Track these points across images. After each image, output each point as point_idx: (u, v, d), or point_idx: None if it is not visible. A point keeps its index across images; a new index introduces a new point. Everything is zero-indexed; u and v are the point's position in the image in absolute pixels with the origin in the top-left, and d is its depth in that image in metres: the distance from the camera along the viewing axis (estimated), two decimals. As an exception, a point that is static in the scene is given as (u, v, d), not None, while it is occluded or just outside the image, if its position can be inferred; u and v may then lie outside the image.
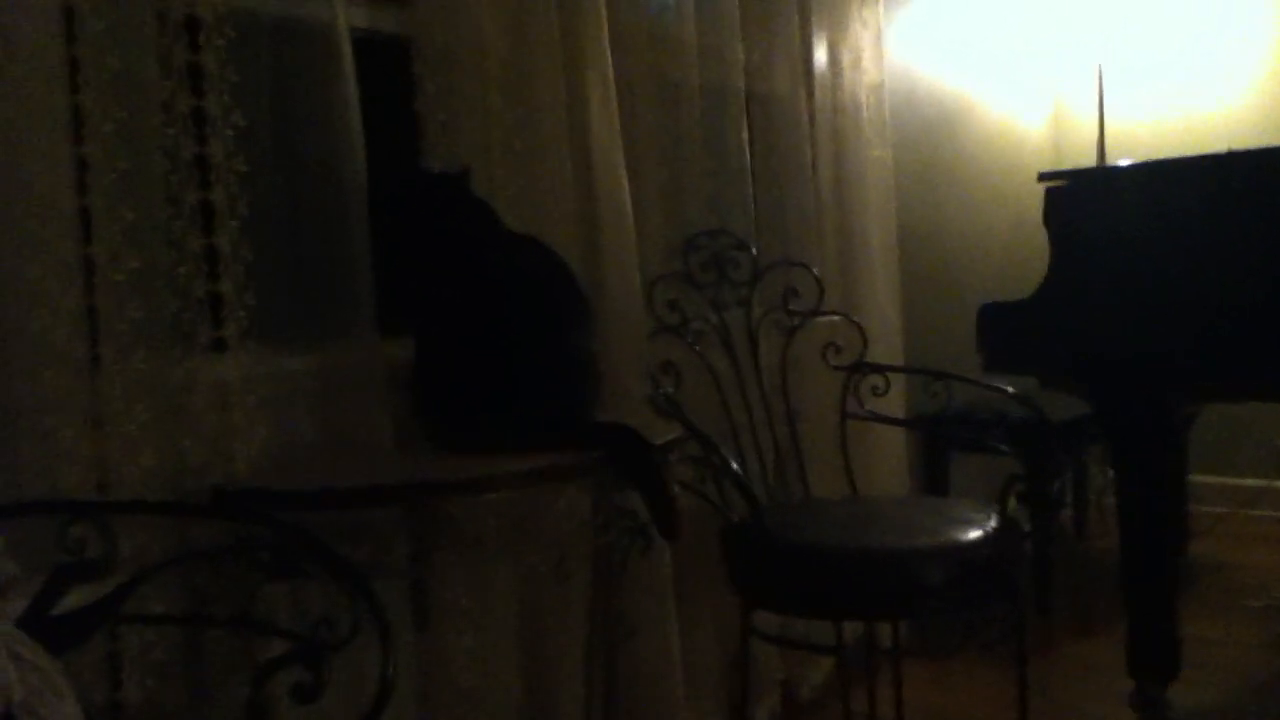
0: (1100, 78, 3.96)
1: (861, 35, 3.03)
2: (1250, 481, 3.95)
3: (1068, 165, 3.81)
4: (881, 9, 3.11)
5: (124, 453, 1.46)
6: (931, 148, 3.70)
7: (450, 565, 1.74)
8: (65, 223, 1.43)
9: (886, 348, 2.95)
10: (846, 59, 3.00)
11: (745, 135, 2.60)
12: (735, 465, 1.85)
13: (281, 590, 1.57)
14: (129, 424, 1.47)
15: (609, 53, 2.20)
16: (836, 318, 2.57)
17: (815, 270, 2.54)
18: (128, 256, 1.48)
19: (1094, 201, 2.58)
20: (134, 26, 1.52)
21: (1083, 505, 4.05)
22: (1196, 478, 2.62)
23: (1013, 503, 2.32)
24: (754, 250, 2.48)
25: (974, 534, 1.91)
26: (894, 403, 2.75)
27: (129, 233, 1.49)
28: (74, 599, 1.13)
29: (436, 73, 1.92)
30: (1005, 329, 2.73)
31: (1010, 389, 2.24)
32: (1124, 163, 3.59)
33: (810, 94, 2.90)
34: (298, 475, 1.58)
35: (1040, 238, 2.75)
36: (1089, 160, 4.03)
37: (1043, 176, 2.69)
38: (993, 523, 1.96)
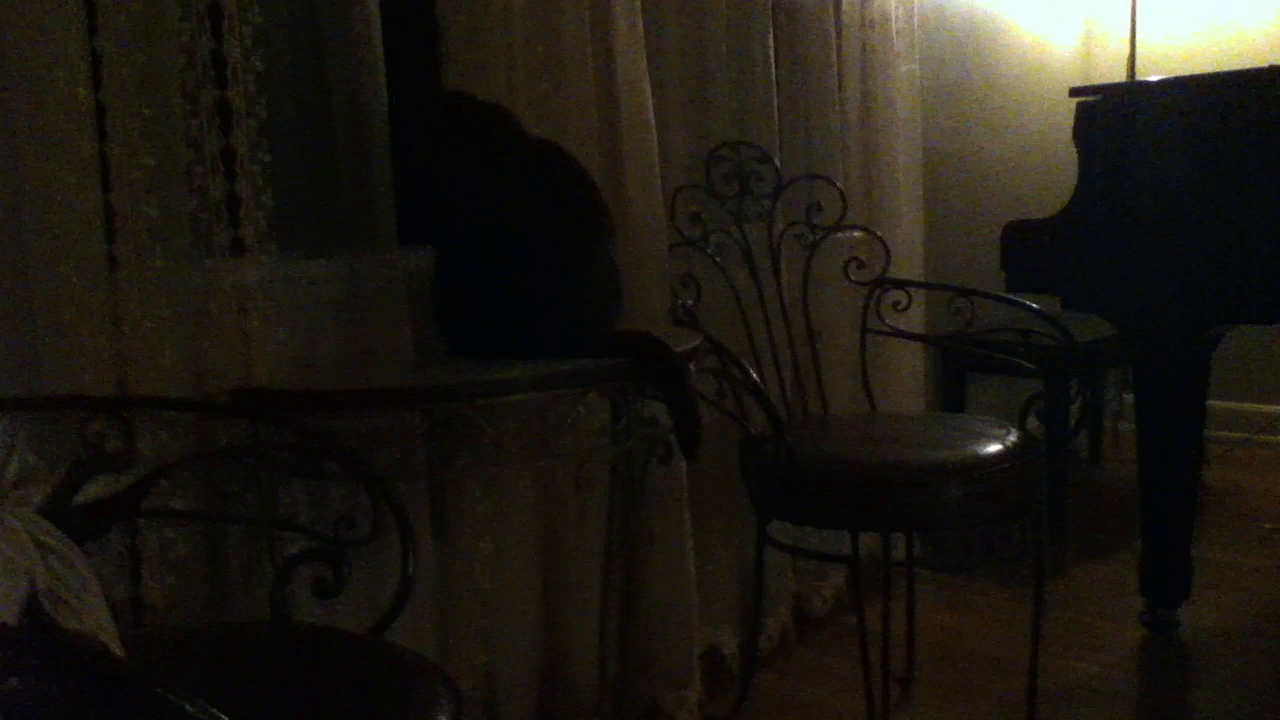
0: (1134, -5, 3.86)
1: (892, -58, 2.95)
2: (1267, 407, 3.94)
3: (1093, 83, 3.74)
4: (912, -83, 3.03)
5: (143, 352, 1.46)
6: (960, 64, 3.63)
7: (469, 472, 1.75)
8: (82, 119, 1.41)
9: (908, 266, 2.92)
10: (876, -33, 2.93)
11: (771, 47, 2.54)
12: (755, 377, 1.83)
13: (300, 491, 1.58)
14: (147, 323, 1.46)
15: (634, -42, 2.15)
16: (859, 233, 2.54)
17: (839, 184, 2.50)
18: (144, 154, 1.46)
19: (1126, 117, 2.53)
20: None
21: (1097, 429, 4.04)
22: (1212, 403, 2.60)
23: (1033, 421, 2.31)
24: (777, 163, 2.44)
25: (994, 449, 1.90)
26: (914, 321, 2.72)
27: (146, 130, 1.47)
28: (94, 492, 1.13)
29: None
30: (1030, 247, 2.69)
31: (1035, 306, 2.21)
32: (1151, 79, 3.52)
33: (838, 6, 2.83)
34: (317, 380, 1.58)
35: (1066, 158, 2.70)
36: (1119, 79, 3.95)
37: (1074, 92, 2.64)
38: (1013, 439, 1.95)
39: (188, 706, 0.62)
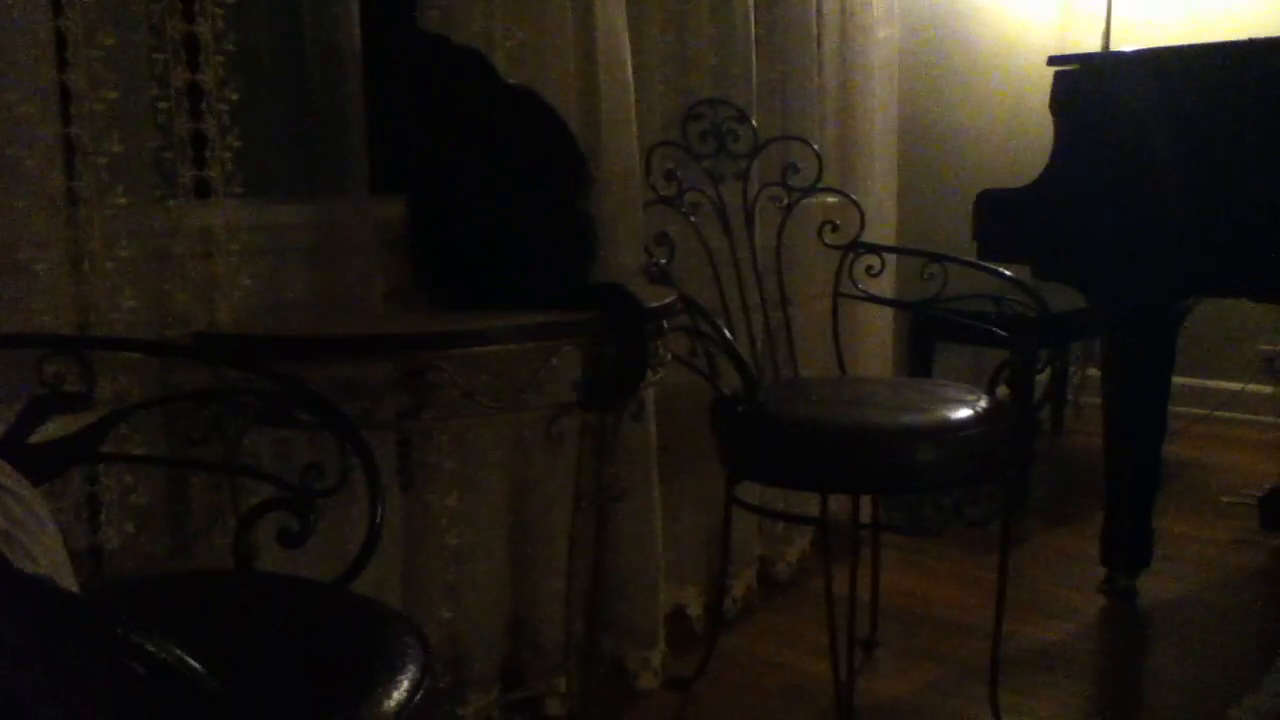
0: (1112, -34, 3.85)
1: (873, -95, 2.91)
2: (1228, 385, 3.98)
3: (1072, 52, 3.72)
4: (895, -121, 2.99)
5: (103, 293, 1.41)
6: (938, 30, 3.61)
7: (438, 424, 1.71)
8: (42, 47, 1.35)
9: (881, 232, 2.91)
10: (857, -69, 2.89)
11: (751, 5, 2.50)
12: (729, 335, 1.81)
13: (264, 440, 1.54)
14: (108, 263, 1.41)
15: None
16: (834, 197, 2.52)
17: (815, 145, 2.48)
18: (107, 86, 1.41)
19: (1104, 87, 2.52)
20: None
21: (1060, 401, 4.07)
22: (1175, 379, 2.62)
23: (1002, 389, 2.30)
24: (754, 123, 2.41)
25: (965, 414, 1.89)
26: (885, 287, 2.72)
27: (108, 61, 1.41)
28: (52, 432, 1.09)
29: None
30: (1003, 216, 2.69)
31: (1008, 273, 2.20)
32: (1117, 50, 3.51)
33: (819, -34, 2.80)
34: (283, 326, 1.54)
35: (1040, 128, 2.69)
36: (1095, 50, 3.94)
37: (1053, 60, 2.62)
38: (984, 404, 1.95)
39: (148, 645, 0.59)
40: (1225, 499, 3.22)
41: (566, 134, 1.73)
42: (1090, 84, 2.53)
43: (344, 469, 1.23)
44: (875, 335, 2.98)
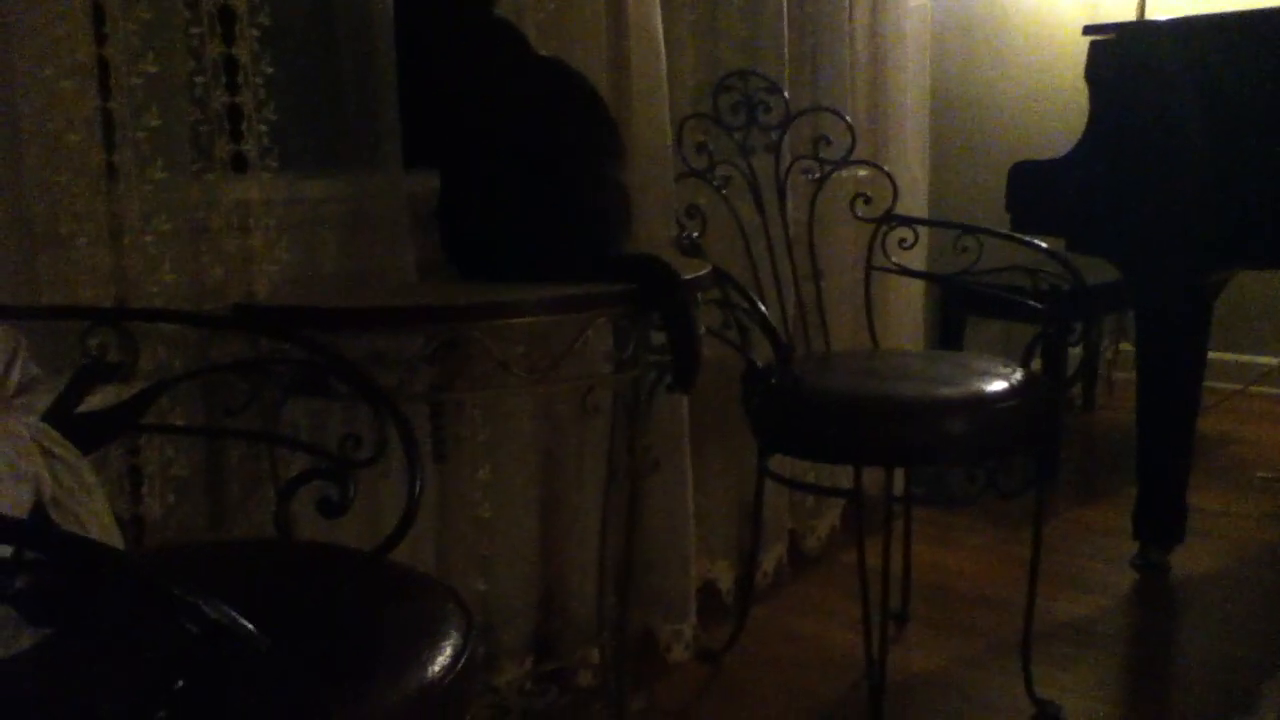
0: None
1: (905, -127, 2.88)
2: (1261, 359, 3.94)
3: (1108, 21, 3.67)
4: None
5: (142, 266, 1.42)
6: (970, 3, 3.57)
7: (472, 396, 1.72)
8: (79, 21, 1.36)
9: (913, 204, 2.89)
10: (890, -99, 2.86)
11: (782, -26, 2.49)
12: (762, 307, 1.81)
13: (300, 412, 1.55)
14: (147, 237, 1.42)
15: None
16: (866, 170, 2.50)
17: (847, 117, 2.46)
18: (144, 60, 1.41)
19: (1140, 57, 2.49)
20: None
21: (1091, 377, 4.04)
22: (1210, 354, 2.60)
23: (1037, 361, 2.29)
24: (785, 95, 2.40)
25: (1000, 386, 1.89)
26: (916, 261, 2.70)
27: (146, 35, 1.42)
28: (96, 403, 1.11)
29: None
30: (1037, 188, 2.66)
31: (1044, 244, 2.18)
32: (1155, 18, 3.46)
33: (849, -65, 2.77)
34: (319, 298, 1.55)
35: (1074, 99, 2.66)
36: (1128, 19, 3.88)
37: (1088, 30, 2.59)
38: (1019, 377, 1.94)
39: (202, 604, 0.60)
40: (1260, 475, 3.20)
41: (598, 101, 1.73)
42: (1126, 53, 2.50)
43: (381, 440, 1.24)
44: (907, 308, 2.97)
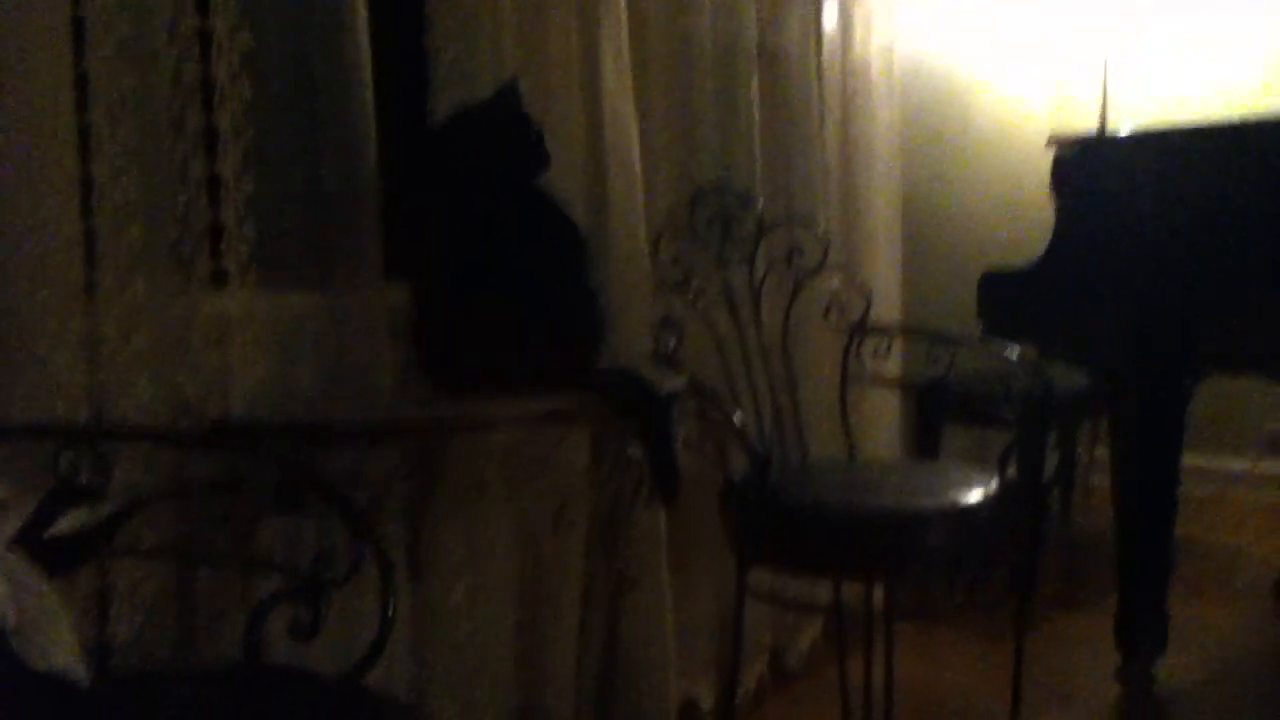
0: (1105, 54, 3.92)
1: (872, -2, 2.98)
2: (1236, 464, 3.96)
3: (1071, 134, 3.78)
4: (892, -30, 3.07)
5: (119, 384, 1.42)
6: (937, 114, 3.67)
7: (447, 512, 1.71)
8: (66, 141, 1.38)
9: (887, 311, 2.92)
10: (858, 21, 2.96)
11: (755, 90, 2.55)
12: (737, 419, 1.81)
13: (274, 529, 1.53)
14: (125, 354, 1.42)
15: (624, 1, 2.15)
16: (839, 279, 2.53)
17: (820, 229, 2.51)
18: (129, 179, 1.43)
19: (1102, 168, 2.55)
20: (139, -58, 1.46)
21: (1069, 482, 4.04)
22: (1185, 459, 2.62)
23: (1010, 469, 2.30)
24: (759, 207, 2.44)
25: (976, 496, 1.89)
26: (892, 367, 2.72)
27: (130, 155, 1.44)
28: (67, 525, 1.09)
29: (448, 9, 1.86)
30: (1007, 296, 2.70)
31: (1015, 354, 2.21)
32: (1126, 131, 3.56)
33: (820, 53, 2.85)
34: (296, 414, 1.54)
35: (1042, 207, 2.72)
36: (1091, 130, 3.99)
37: (1051, 141, 2.66)
38: (994, 487, 1.94)
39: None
40: (1241, 581, 3.19)
41: (560, 212, 1.75)
42: (1088, 165, 2.57)
43: (356, 556, 1.22)
44: (883, 416, 2.98)
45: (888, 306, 2.99)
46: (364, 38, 1.74)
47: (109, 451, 1.23)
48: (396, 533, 1.73)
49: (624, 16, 2.15)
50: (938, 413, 3.30)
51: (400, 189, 1.76)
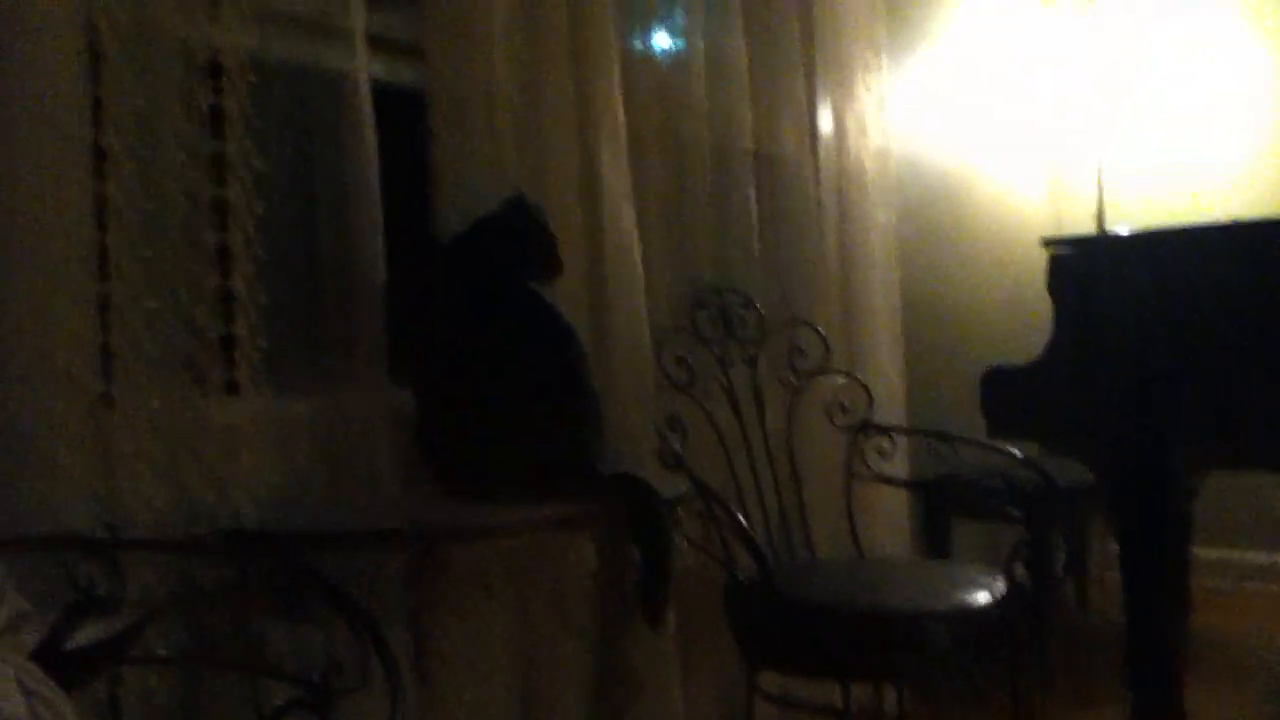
0: (1100, 153, 4.01)
1: (866, 101, 3.07)
2: (1253, 555, 3.93)
3: (1066, 234, 3.84)
4: (886, 77, 3.16)
5: (132, 491, 1.45)
6: (934, 213, 3.73)
7: (453, 615, 1.72)
8: (85, 259, 1.43)
9: (890, 410, 2.95)
10: (851, 124, 3.04)
11: (752, 194, 2.62)
12: (742, 521, 1.83)
13: (283, 634, 1.54)
14: (139, 462, 1.45)
15: (621, 109, 2.23)
16: (842, 377, 2.57)
17: (821, 329, 2.55)
18: (146, 295, 1.48)
19: (1098, 268, 2.59)
20: (159, 68, 1.54)
21: (1083, 576, 4.01)
22: (1198, 551, 2.61)
23: (1020, 569, 2.30)
24: (760, 308, 2.49)
25: (983, 597, 1.89)
26: (898, 464, 2.74)
27: (148, 271, 1.49)
28: (84, 636, 1.11)
29: (451, 124, 1.94)
30: (1009, 393, 2.72)
31: (1017, 452, 2.23)
32: (1122, 231, 3.62)
33: (817, 156, 2.93)
34: (304, 518, 1.57)
35: (1041, 304, 2.76)
36: (1087, 230, 4.06)
37: (1046, 242, 2.71)
38: (1001, 587, 1.94)
39: None
40: (1258, 679, 3.15)
41: (560, 318, 1.79)
42: (1084, 264, 2.61)
43: (365, 665, 1.24)
44: (890, 513, 2.98)
45: (892, 404, 3.01)
46: (373, 154, 1.80)
47: (125, 561, 1.25)
48: (403, 636, 1.74)
49: (622, 122, 2.22)
50: (946, 509, 3.30)
51: (406, 294, 1.81)
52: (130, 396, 1.45)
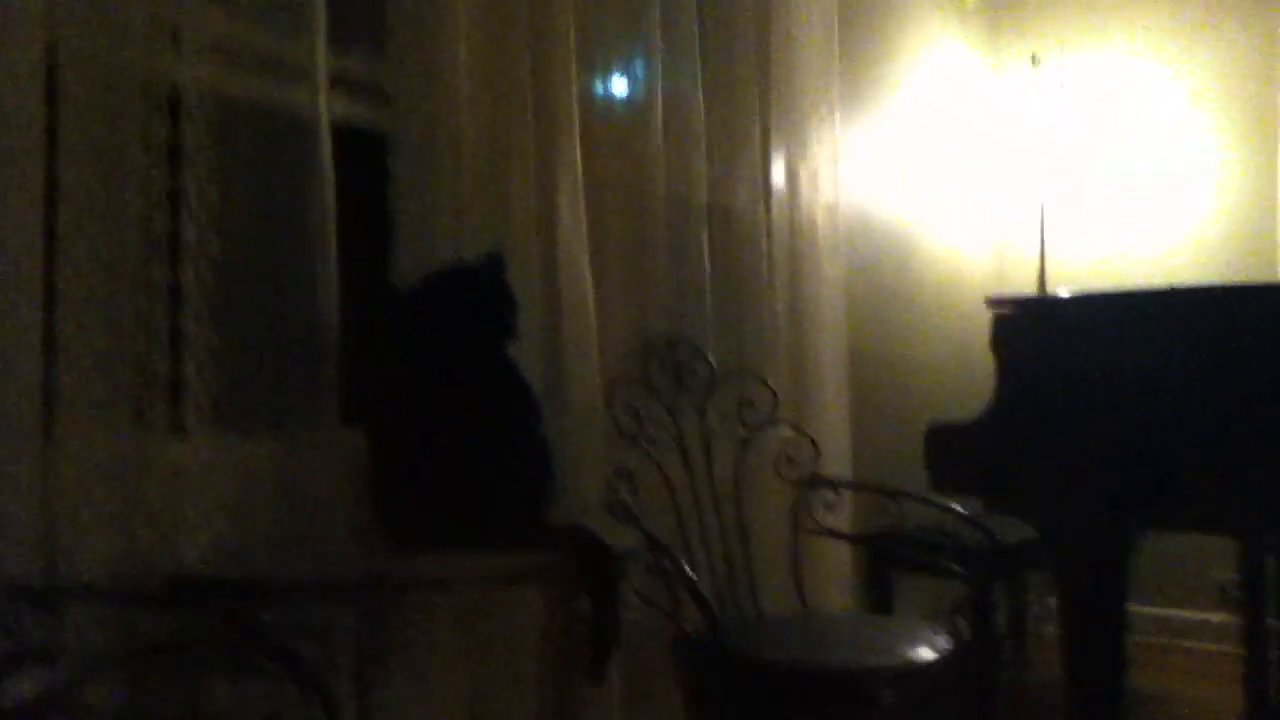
0: (1042, 213, 4.10)
1: (819, 154, 3.11)
2: (1187, 614, 3.99)
3: (1009, 294, 3.90)
4: (838, 133, 3.20)
5: (74, 535, 1.41)
6: (881, 270, 3.79)
7: (400, 666, 1.69)
8: (31, 294, 1.40)
9: (836, 464, 2.97)
10: (804, 178, 3.08)
11: (706, 246, 2.64)
12: (691, 574, 1.82)
13: (226, 687, 1.50)
14: (82, 506, 1.41)
15: (580, 158, 2.23)
16: (789, 431, 2.58)
17: (770, 382, 2.56)
18: (94, 333, 1.44)
19: (1041, 329, 2.63)
20: (117, 99, 1.51)
21: (1021, 633, 4.04)
22: (1134, 608, 2.64)
23: (963, 624, 2.32)
24: (711, 360, 2.49)
25: (928, 654, 1.90)
26: (842, 517, 2.75)
27: (94, 308, 1.46)
28: (19, 688, 1.07)
29: (411, 166, 1.93)
30: (953, 450, 2.75)
31: (961, 509, 2.25)
32: (1064, 292, 3.69)
33: (769, 211, 2.96)
34: (251, 566, 1.53)
35: (986, 362, 2.80)
36: (1030, 290, 4.14)
37: (990, 303, 2.76)
38: (945, 643, 1.95)
39: None
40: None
41: (515, 370, 1.78)
42: (1027, 325, 2.65)
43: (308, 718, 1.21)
44: (834, 566, 2.99)
45: (838, 457, 3.03)
46: (331, 194, 1.79)
47: (63, 609, 1.21)
48: (347, 688, 1.70)
49: (580, 172, 2.23)
50: (889, 564, 3.31)
51: (365, 336, 1.79)
52: (74, 437, 1.41)
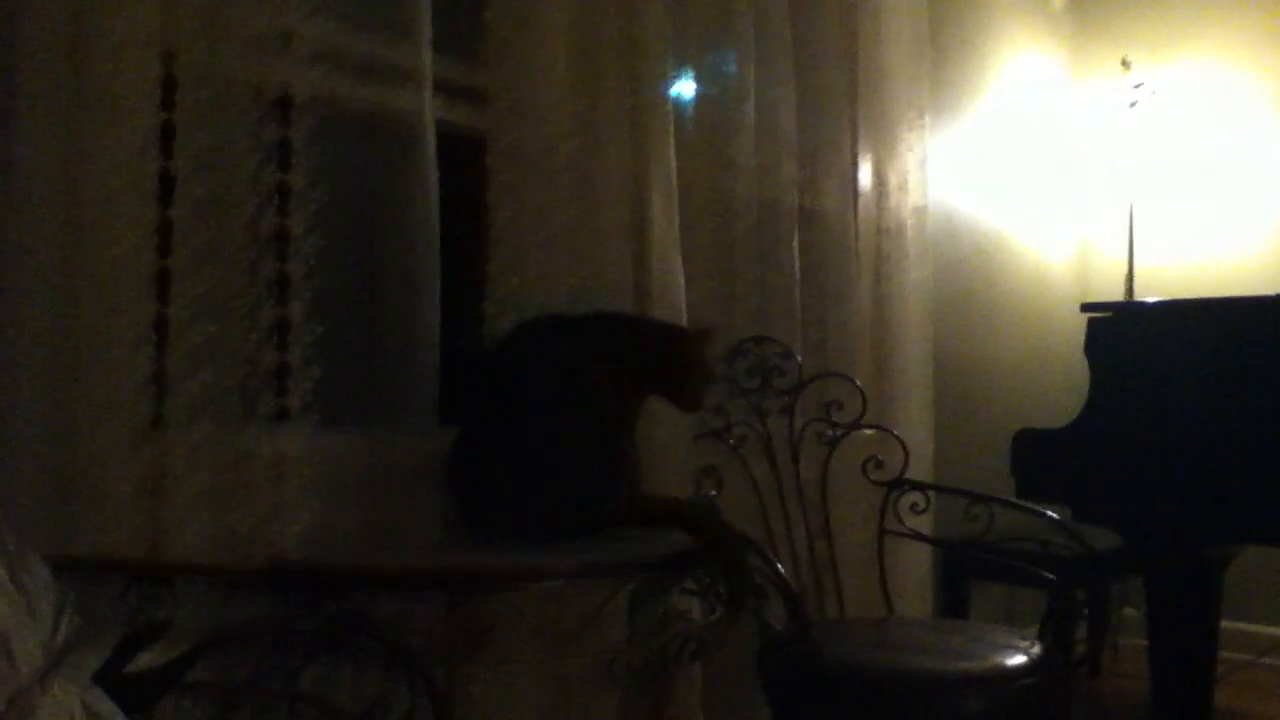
0: (1131, 217, 4.02)
1: (907, 159, 3.08)
2: (1272, 629, 3.88)
3: (1093, 300, 3.83)
4: (927, 136, 3.17)
5: (178, 518, 1.44)
6: (966, 274, 3.74)
7: (488, 662, 1.70)
8: (144, 286, 1.44)
9: (919, 468, 2.93)
10: (893, 181, 3.06)
11: (795, 248, 2.63)
12: (783, 573, 1.82)
13: (319, 671, 1.53)
14: (187, 489, 1.45)
15: (673, 161, 2.24)
16: (874, 432, 2.56)
17: (858, 383, 2.55)
18: (203, 321, 1.48)
19: (1135, 333, 2.60)
20: (230, 99, 1.55)
21: (1098, 644, 3.97)
22: (1226, 624, 2.59)
23: (1053, 632, 2.28)
24: (799, 359, 2.49)
25: (1019, 661, 1.87)
26: (925, 524, 2.72)
27: (205, 299, 1.50)
28: (139, 663, 1.10)
29: (506, 167, 1.95)
30: (1041, 456, 2.71)
31: (1054, 515, 2.22)
32: (1151, 300, 3.62)
33: (857, 213, 2.94)
34: (345, 555, 1.56)
35: (1069, 370, 2.75)
36: (1115, 296, 4.06)
37: (1086, 307, 2.72)
38: (1036, 650, 1.92)
39: None
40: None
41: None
42: (1123, 330, 2.61)
43: (411, 703, 1.23)
44: (915, 571, 2.96)
45: (920, 462, 3.00)
46: (434, 196, 1.82)
47: (174, 590, 1.25)
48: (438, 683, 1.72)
49: (673, 174, 2.24)
50: (967, 570, 3.27)
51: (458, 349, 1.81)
52: (182, 422, 1.45)
